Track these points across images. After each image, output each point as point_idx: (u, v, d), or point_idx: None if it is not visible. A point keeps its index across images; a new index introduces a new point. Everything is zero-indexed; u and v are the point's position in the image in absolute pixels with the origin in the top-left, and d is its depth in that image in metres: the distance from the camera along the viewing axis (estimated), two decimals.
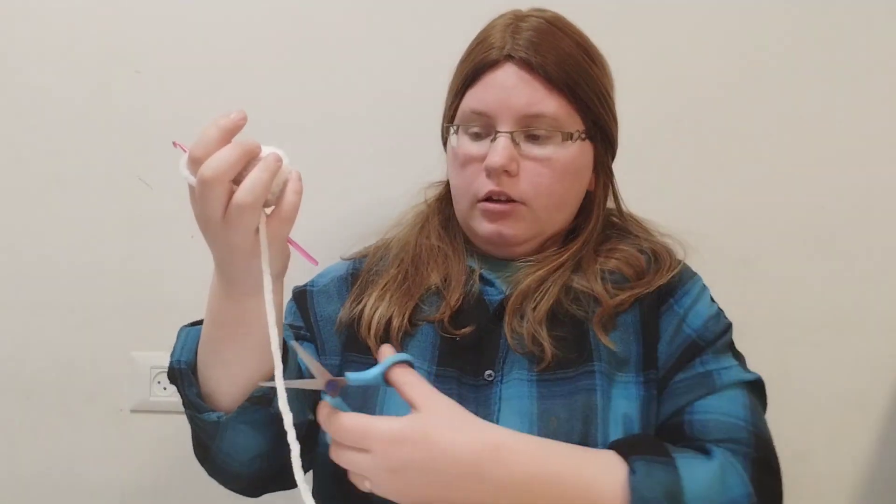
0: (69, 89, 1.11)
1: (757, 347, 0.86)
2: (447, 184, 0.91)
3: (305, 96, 1.12)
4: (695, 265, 0.89)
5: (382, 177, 1.12)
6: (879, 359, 1.14)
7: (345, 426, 0.63)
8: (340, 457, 0.64)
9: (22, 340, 1.13)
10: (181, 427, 1.13)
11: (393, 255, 0.88)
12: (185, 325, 0.80)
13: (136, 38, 1.11)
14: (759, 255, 1.13)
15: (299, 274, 1.10)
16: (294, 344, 0.65)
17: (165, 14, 1.11)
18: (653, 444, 0.72)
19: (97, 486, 1.14)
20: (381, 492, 0.64)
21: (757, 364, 0.85)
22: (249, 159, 0.61)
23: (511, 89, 0.79)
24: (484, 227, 0.82)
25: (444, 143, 0.89)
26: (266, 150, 0.62)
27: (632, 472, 0.67)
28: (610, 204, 0.90)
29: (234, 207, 0.60)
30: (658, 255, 0.85)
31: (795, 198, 1.13)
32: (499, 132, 0.79)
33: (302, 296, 0.91)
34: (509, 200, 0.80)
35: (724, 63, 1.13)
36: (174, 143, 0.64)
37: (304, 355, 0.63)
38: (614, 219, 0.90)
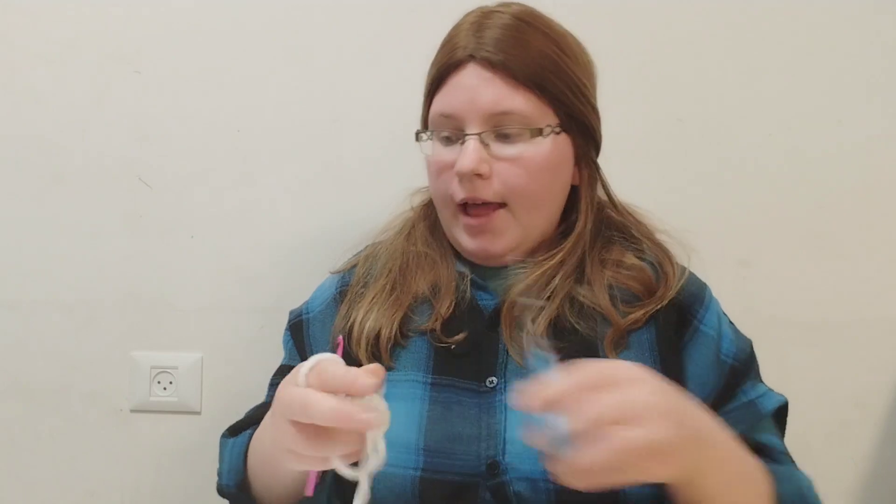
0: (69, 89, 1.11)
1: (757, 347, 0.86)
2: None
3: (304, 97, 1.12)
4: (695, 265, 0.89)
5: (371, 183, 1.12)
6: (879, 359, 1.14)
7: (599, 365, 0.57)
8: (606, 401, 0.55)
9: (22, 340, 1.13)
10: (181, 427, 1.14)
11: (381, 265, 0.86)
12: (226, 435, 0.81)
13: (136, 38, 1.11)
14: (759, 255, 1.13)
15: (291, 285, 1.11)
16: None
17: (165, 14, 1.11)
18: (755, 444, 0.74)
19: (97, 486, 1.14)
20: (655, 428, 0.54)
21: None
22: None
23: (475, 89, 0.77)
24: (468, 242, 0.81)
25: None
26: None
27: (779, 462, 0.71)
28: (602, 197, 0.87)
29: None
30: (662, 265, 0.83)
31: (795, 198, 1.13)
32: (467, 135, 0.77)
33: (298, 327, 0.89)
34: (485, 204, 0.78)
35: (725, 62, 1.13)
36: (339, 339, 0.64)
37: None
38: (610, 212, 0.87)
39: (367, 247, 0.93)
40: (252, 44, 1.12)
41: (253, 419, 0.80)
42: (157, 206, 1.12)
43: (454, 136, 0.79)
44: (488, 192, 0.78)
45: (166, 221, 1.12)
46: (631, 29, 1.12)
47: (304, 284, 0.97)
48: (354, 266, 0.90)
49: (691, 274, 0.86)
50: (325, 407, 0.54)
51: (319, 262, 1.03)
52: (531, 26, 0.79)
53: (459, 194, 0.78)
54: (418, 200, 0.92)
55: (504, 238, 0.80)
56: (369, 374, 0.55)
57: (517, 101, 0.77)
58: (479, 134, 0.77)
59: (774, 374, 0.87)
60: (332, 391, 0.55)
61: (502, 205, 0.79)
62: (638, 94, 1.09)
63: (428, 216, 0.88)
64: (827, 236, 1.13)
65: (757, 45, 1.13)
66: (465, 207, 0.79)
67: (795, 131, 1.13)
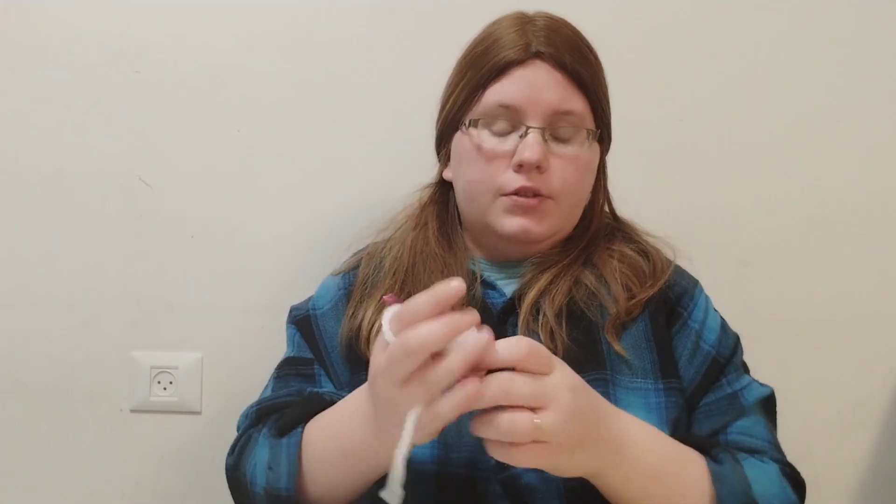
0: (69, 89, 1.11)
1: (757, 347, 0.86)
2: (439, 185, 0.90)
3: (303, 97, 1.12)
4: (694, 265, 0.89)
5: (371, 182, 1.12)
6: (879, 359, 1.14)
7: (537, 346, 0.60)
8: (525, 379, 0.59)
9: (22, 340, 1.13)
10: (181, 427, 1.14)
11: (388, 264, 0.86)
12: (273, 435, 0.76)
13: (136, 38, 1.11)
14: (759, 255, 1.13)
15: (291, 285, 1.11)
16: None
17: (165, 14, 1.11)
18: (709, 441, 0.76)
19: (97, 486, 1.14)
20: (555, 417, 0.59)
21: (757, 364, 0.85)
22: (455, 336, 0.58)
23: (542, 85, 0.79)
24: (509, 222, 0.81)
25: (440, 141, 0.88)
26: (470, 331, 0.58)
27: (718, 462, 0.71)
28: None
29: (431, 415, 0.57)
30: (649, 255, 0.86)
31: (795, 198, 1.13)
32: (530, 127, 0.78)
33: (306, 322, 0.88)
34: (536, 195, 0.80)
35: (726, 62, 1.13)
36: (384, 298, 0.60)
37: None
38: (607, 220, 0.90)
39: (367, 245, 0.92)
40: (252, 43, 1.12)
41: (300, 417, 0.77)
42: (157, 206, 1.12)
43: (510, 126, 0.80)
44: (545, 185, 0.79)
45: (166, 221, 1.12)
46: (632, 29, 1.12)
47: (305, 284, 0.97)
48: (356, 267, 0.90)
49: (682, 269, 0.88)
50: (432, 328, 0.56)
51: (320, 261, 1.03)
52: (575, 34, 0.83)
53: (514, 183, 0.79)
54: (426, 197, 0.91)
55: (547, 221, 0.81)
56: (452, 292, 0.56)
57: (577, 102, 0.80)
58: (542, 128, 0.79)
59: (774, 374, 0.87)
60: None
61: (550, 198, 0.80)
62: (639, 95, 1.09)
63: (438, 215, 0.89)
64: (827, 236, 1.13)
65: (757, 45, 1.13)
66: (513, 195, 0.80)
67: (795, 131, 1.13)
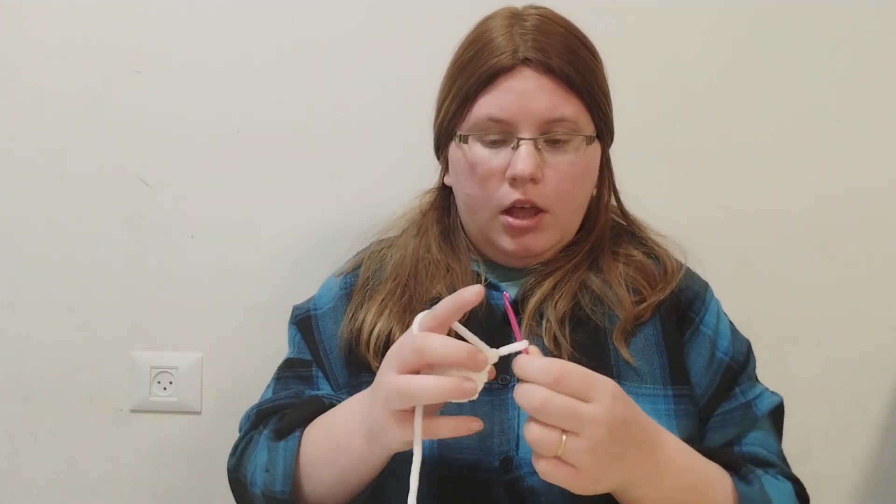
0: (69, 89, 1.11)
1: (757, 347, 0.86)
2: (439, 191, 0.89)
3: (304, 98, 1.12)
4: (694, 266, 0.89)
5: (371, 183, 1.12)
6: (879, 359, 1.14)
7: (572, 370, 0.59)
8: (560, 403, 0.58)
9: (22, 340, 1.13)
10: (181, 427, 1.14)
11: (389, 268, 0.86)
12: (272, 438, 0.77)
13: (136, 38, 1.11)
14: (759, 255, 1.13)
15: (292, 285, 1.11)
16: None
17: (165, 14, 1.11)
18: (736, 457, 0.76)
19: (97, 486, 1.14)
20: (582, 447, 0.58)
21: (757, 364, 0.85)
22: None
23: (531, 95, 0.76)
24: (509, 243, 0.80)
25: (438, 147, 0.87)
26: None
27: (747, 483, 0.72)
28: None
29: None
30: (660, 259, 0.85)
31: (795, 198, 1.13)
32: (521, 139, 0.76)
33: (306, 322, 0.88)
34: (534, 209, 0.78)
35: (725, 62, 1.13)
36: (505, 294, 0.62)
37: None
38: (615, 217, 0.89)
39: (370, 245, 0.92)
40: (252, 43, 1.12)
41: (298, 420, 0.77)
42: (157, 206, 1.12)
43: (502, 139, 0.78)
44: (540, 196, 0.78)
45: (166, 221, 1.12)
46: (631, 28, 1.12)
47: (305, 284, 0.97)
48: (358, 267, 0.89)
49: (693, 272, 0.87)
50: (444, 344, 0.59)
51: (320, 262, 1.03)
52: (567, 30, 0.80)
53: (510, 197, 0.78)
54: (426, 202, 0.90)
55: (545, 236, 0.80)
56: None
57: (569, 108, 0.77)
58: (534, 139, 0.77)
59: (774, 374, 0.87)
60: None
61: (546, 209, 0.79)
62: (638, 94, 1.09)
63: (439, 221, 0.88)
64: (826, 236, 1.13)
65: (757, 44, 1.13)
66: (510, 210, 0.79)
67: (795, 131, 1.13)
